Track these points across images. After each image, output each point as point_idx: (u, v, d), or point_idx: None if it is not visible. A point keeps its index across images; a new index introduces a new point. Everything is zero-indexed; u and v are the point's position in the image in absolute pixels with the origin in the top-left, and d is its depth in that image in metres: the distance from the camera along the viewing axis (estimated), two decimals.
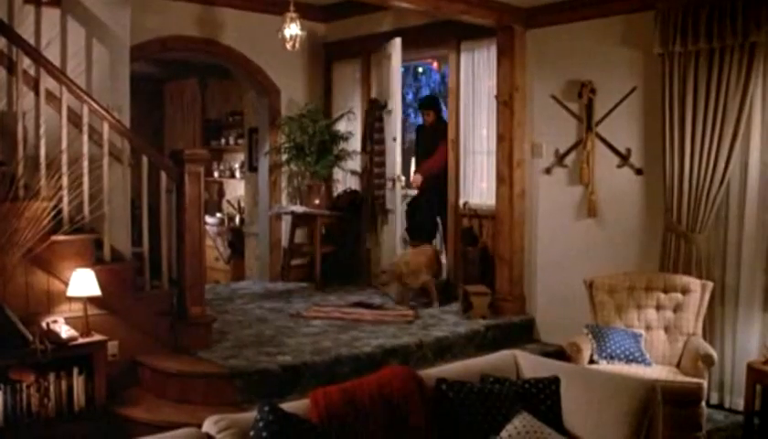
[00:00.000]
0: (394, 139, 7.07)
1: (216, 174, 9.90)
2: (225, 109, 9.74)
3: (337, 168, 7.87)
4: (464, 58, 6.92)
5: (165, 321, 5.13)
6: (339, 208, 7.78)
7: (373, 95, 7.59)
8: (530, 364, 3.62)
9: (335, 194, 8.02)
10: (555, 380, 3.41)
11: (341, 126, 7.82)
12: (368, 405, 2.93)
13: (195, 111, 10.01)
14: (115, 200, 5.05)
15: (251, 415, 2.69)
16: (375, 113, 7.37)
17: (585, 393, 3.39)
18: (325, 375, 4.91)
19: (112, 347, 4.83)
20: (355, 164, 7.83)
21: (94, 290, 4.60)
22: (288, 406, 2.80)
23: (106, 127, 4.95)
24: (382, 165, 7.33)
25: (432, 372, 3.40)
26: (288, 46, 6.14)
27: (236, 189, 9.60)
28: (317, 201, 7.67)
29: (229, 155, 9.85)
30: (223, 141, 9.69)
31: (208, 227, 9.29)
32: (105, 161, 4.95)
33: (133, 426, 4.48)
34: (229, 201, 9.75)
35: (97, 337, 4.65)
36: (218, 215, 9.53)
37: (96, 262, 4.87)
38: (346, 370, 4.98)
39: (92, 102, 4.88)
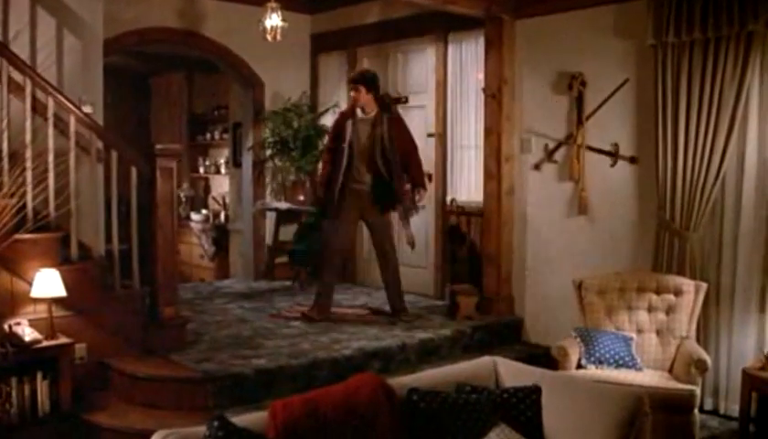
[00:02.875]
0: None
1: (201, 170, 9.68)
2: (212, 103, 9.52)
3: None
4: (451, 49, 6.72)
5: (137, 322, 4.93)
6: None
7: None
8: (511, 371, 3.41)
9: None
10: (536, 390, 3.20)
11: (327, 120, 7.60)
12: (332, 417, 2.72)
13: (181, 105, 9.79)
14: (84, 196, 4.85)
15: (202, 430, 2.48)
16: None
17: (568, 403, 3.18)
18: (301, 379, 4.73)
19: (80, 349, 4.65)
20: None
21: (59, 291, 4.41)
22: (241, 420, 2.59)
23: (73, 120, 4.75)
24: None
25: (404, 380, 3.18)
26: (269, 37, 5.99)
27: (221, 185, 9.37)
28: (302, 197, 7.47)
29: (215, 150, 9.63)
30: (209, 136, 9.47)
31: (193, 224, 9.10)
32: (72, 155, 4.75)
33: (98, 432, 4.31)
34: (214, 198, 9.54)
35: (63, 340, 4.45)
36: (204, 211, 9.30)
37: (64, 260, 4.68)
38: (323, 374, 4.79)
39: (58, 95, 4.68)
